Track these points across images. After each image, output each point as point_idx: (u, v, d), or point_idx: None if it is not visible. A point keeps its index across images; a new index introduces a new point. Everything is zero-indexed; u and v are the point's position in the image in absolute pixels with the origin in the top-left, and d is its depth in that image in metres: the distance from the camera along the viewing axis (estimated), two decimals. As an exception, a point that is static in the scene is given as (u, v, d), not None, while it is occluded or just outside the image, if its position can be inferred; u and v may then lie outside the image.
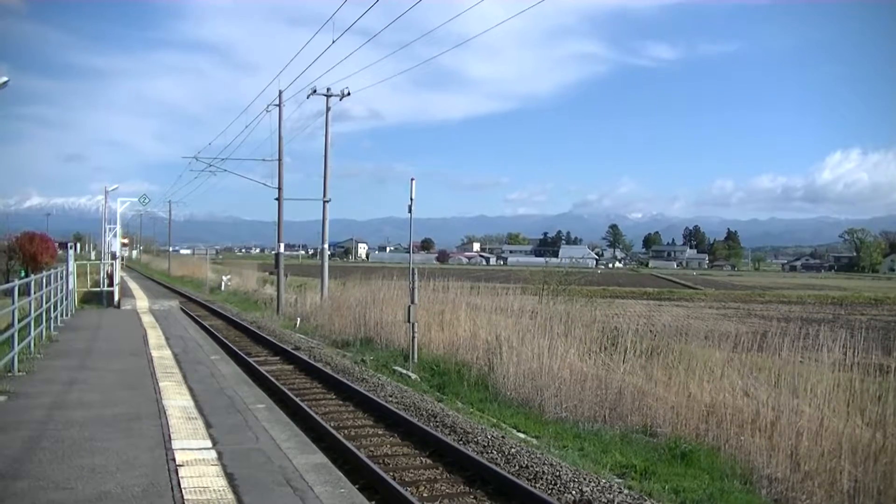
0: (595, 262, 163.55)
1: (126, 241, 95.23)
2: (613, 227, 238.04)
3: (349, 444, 9.77)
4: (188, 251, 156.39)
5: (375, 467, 8.75)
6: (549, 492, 8.27)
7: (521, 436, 11.03)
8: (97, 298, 27.95)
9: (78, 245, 58.30)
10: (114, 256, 32.94)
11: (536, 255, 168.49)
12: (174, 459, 6.81)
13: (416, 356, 16.96)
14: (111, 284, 28.06)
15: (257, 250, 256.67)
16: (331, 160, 32.86)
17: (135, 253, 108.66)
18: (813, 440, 9.13)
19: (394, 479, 8.51)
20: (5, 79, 14.35)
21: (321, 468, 6.98)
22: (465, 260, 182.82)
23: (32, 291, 14.18)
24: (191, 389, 10.51)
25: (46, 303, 15.82)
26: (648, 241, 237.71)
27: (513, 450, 9.69)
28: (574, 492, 8.19)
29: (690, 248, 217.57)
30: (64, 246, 41.32)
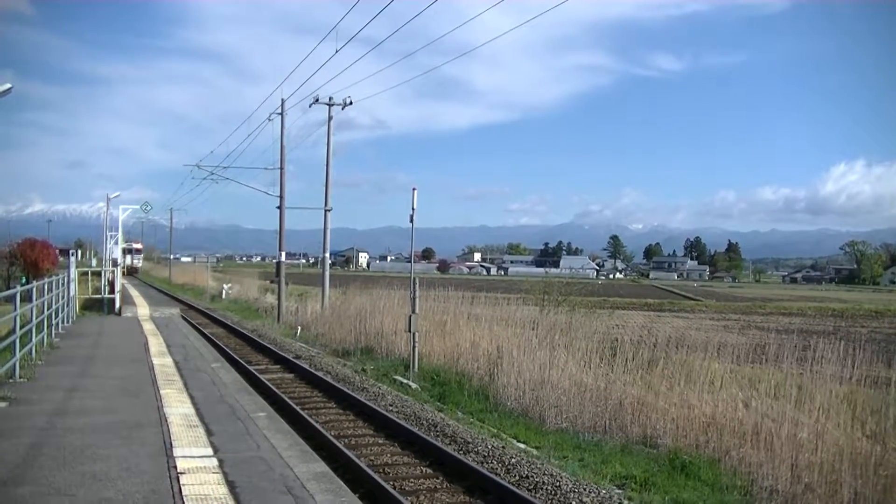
0: (596, 272, 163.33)
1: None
2: (614, 237, 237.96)
3: (350, 453, 9.78)
4: (189, 259, 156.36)
5: (376, 476, 8.75)
6: (549, 502, 8.29)
7: (522, 446, 11.03)
8: (98, 305, 27.96)
9: (79, 252, 58.38)
10: (115, 263, 32.99)
11: (537, 266, 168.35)
12: (175, 467, 6.82)
13: (416, 366, 16.96)
14: (112, 292, 28.08)
15: (258, 259, 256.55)
16: (333, 169, 32.97)
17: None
18: (813, 452, 9.14)
19: (394, 488, 8.52)
20: (9, 85, 14.42)
21: (322, 477, 6.99)
22: (465, 270, 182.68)
23: (34, 298, 14.22)
24: (192, 397, 10.52)
25: (48, 309, 15.83)
26: (649, 252, 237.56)
27: (513, 460, 9.69)
28: (574, 502, 8.20)
29: (691, 259, 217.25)
30: (65, 253, 41.33)
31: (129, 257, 78.28)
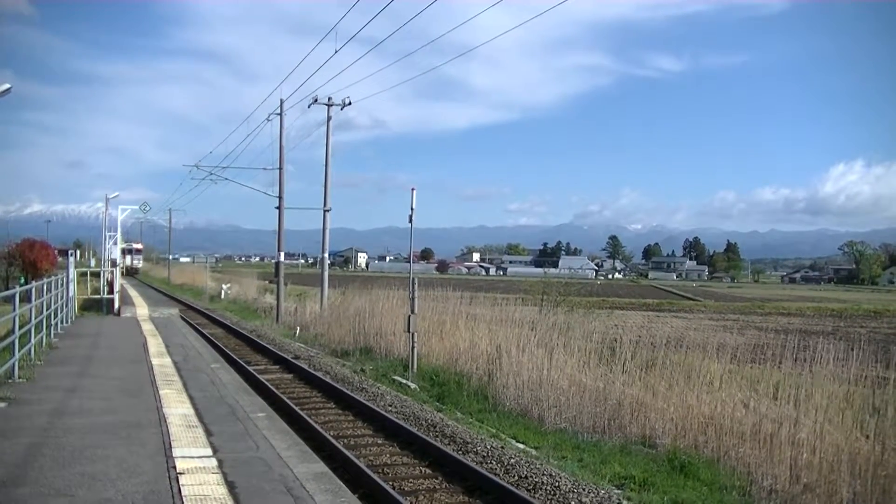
0: (595, 272, 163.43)
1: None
2: (613, 238, 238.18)
3: (349, 454, 9.78)
4: (188, 259, 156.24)
5: (375, 476, 8.76)
6: (549, 502, 8.29)
7: (521, 446, 11.03)
8: (97, 306, 27.96)
9: (78, 252, 58.36)
10: (113, 264, 33.00)
11: (536, 266, 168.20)
12: (175, 467, 6.83)
13: (415, 366, 16.96)
14: (111, 292, 28.08)
15: (257, 259, 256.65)
16: (332, 169, 32.94)
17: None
18: (812, 452, 9.15)
19: (393, 488, 8.52)
20: (8, 85, 14.44)
21: (321, 477, 7.00)
22: (464, 270, 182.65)
23: (33, 298, 14.22)
24: (191, 397, 10.53)
25: (47, 310, 15.83)
26: (648, 253, 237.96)
27: (512, 460, 9.70)
28: (573, 502, 8.21)
29: (690, 259, 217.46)
30: (64, 253, 41.33)
31: (128, 257, 78.24)
